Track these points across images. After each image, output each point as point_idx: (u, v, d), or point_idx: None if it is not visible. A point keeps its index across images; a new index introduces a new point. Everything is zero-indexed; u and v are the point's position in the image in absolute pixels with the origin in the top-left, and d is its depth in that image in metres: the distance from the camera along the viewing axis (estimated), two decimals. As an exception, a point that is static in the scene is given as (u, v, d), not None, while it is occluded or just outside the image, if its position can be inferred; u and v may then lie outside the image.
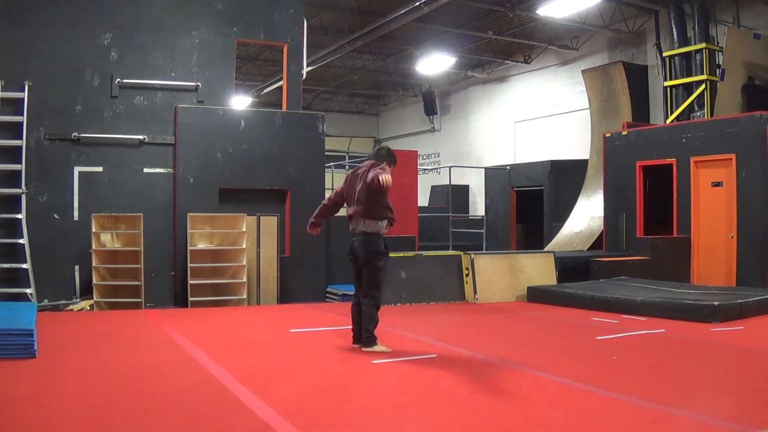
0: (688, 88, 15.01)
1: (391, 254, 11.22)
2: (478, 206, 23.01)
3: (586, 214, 16.25)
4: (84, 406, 4.77)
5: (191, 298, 10.60)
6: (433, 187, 23.56)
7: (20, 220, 10.31)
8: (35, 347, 6.43)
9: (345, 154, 19.60)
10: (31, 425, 4.33)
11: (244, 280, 10.87)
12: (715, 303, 8.93)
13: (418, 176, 14.63)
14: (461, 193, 23.08)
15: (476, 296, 11.15)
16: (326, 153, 12.45)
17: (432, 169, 24.68)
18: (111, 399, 4.96)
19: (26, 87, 10.48)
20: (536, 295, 11.16)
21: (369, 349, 6.69)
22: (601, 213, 15.16)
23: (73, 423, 4.38)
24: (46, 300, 10.30)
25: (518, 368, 6.13)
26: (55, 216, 10.71)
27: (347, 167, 19.46)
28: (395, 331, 8.10)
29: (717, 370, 6.29)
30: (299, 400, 4.93)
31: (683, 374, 6.07)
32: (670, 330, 8.31)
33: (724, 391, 5.44)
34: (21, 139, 10.38)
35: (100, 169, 10.97)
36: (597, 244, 15.25)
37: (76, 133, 10.80)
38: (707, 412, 4.82)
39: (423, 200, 19.04)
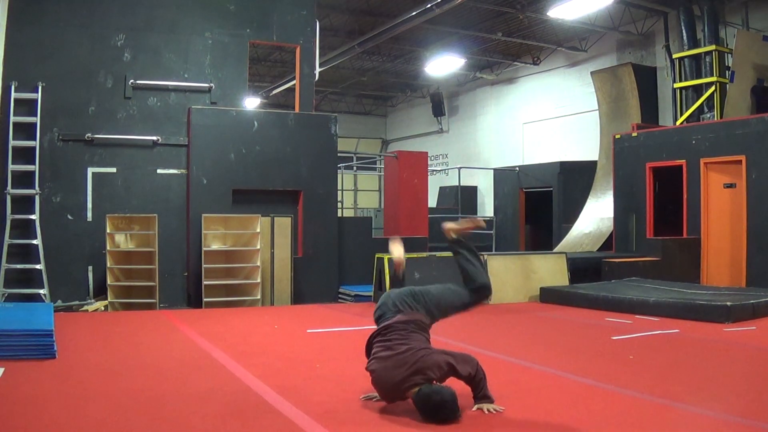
0: (698, 90, 15.03)
1: (405, 255, 11.30)
2: (486, 207, 23.03)
3: (596, 215, 16.27)
4: (110, 406, 4.79)
5: (205, 299, 10.64)
6: (441, 188, 23.58)
7: (34, 220, 10.36)
8: (55, 347, 6.46)
9: (353, 155, 19.58)
10: (58, 426, 4.35)
11: (258, 280, 10.91)
12: (728, 303, 8.96)
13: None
14: (470, 194, 23.08)
15: (489, 297, 11.15)
16: (335, 154, 12.52)
17: (440, 171, 24.70)
18: (136, 399, 4.98)
19: (39, 88, 10.54)
20: (549, 295, 11.20)
21: None
22: (611, 214, 15.18)
23: (101, 423, 4.40)
24: (59, 301, 10.34)
25: (537, 368, 6.16)
26: (69, 217, 10.76)
27: (355, 168, 19.48)
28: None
29: (732, 369, 6.34)
30: (325, 400, 4.96)
31: (700, 373, 6.11)
32: (684, 330, 8.34)
33: (740, 389, 5.49)
34: (35, 139, 10.43)
35: (114, 170, 11.02)
36: (606, 245, 15.26)
37: (89, 134, 10.85)
38: (726, 409, 4.86)
39: (431, 201, 19.05)
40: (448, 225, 5.18)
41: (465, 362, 4.64)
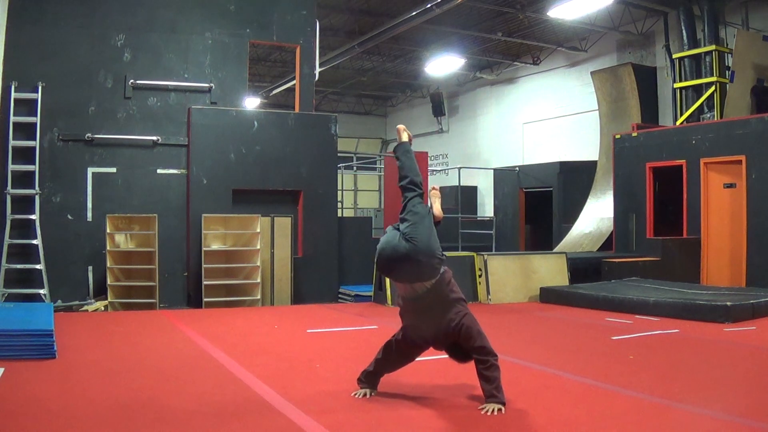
0: (698, 90, 15.03)
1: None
2: (486, 207, 23.02)
3: (596, 215, 16.27)
4: (109, 406, 4.79)
5: (205, 299, 10.64)
6: (441, 188, 23.47)
7: (34, 220, 10.36)
8: (55, 347, 6.46)
9: (353, 155, 19.58)
10: (57, 426, 4.35)
11: (258, 280, 10.91)
12: (728, 303, 8.96)
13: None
14: (470, 194, 23.07)
15: (489, 297, 11.18)
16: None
17: (440, 171, 24.69)
18: (135, 399, 4.98)
19: (40, 88, 10.54)
20: (549, 295, 11.20)
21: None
22: (611, 214, 15.19)
23: (100, 423, 4.40)
24: (59, 301, 10.34)
25: (538, 368, 6.17)
26: (69, 217, 10.76)
27: (355, 168, 19.48)
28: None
29: (733, 369, 6.33)
30: (324, 400, 4.96)
31: (700, 373, 6.11)
32: (684, 330, 8.34)
33: (741, 390, 5.49)
34: (35, 139, 10.43)
35: (114, 170, 11.02)
36: (606, 245, 15.26)
37: (89, 134, 10.85)
38: (726, 409, 4.85)
39: (431, 201, 19.00)
40: (404, 127, 5.53)
41: (492, 351, 4.77)
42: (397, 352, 5.07)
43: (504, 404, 4.65)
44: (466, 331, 4.75)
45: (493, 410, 4.60)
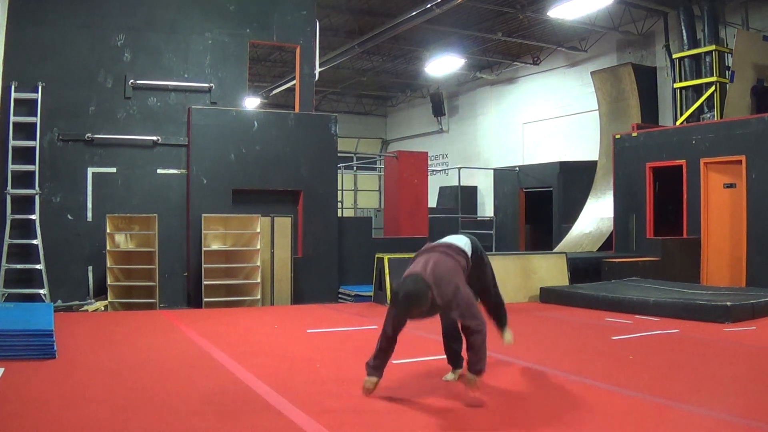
0: (698, 90, 15.05)
1: (405, 255, 11.29)
2: (486, 207, 23.04)
3: (596, 215, 16.27)
4: (109, 407, 4.79)
5: (205, 299, 10.63)
6: (441, 188, 23.57)
7: (34, 220, 10.34)
8: (55, 348, 6.46)
9: (353, 155, 19.58)
10: (57, 426, 4.35)
11: (258, 280, 10.90)
12: (728, 303, 8.95)
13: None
14: (469, 194, 23.10)
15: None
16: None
17: (440, 171, 24.69)
18: (136, 400, 4.98)
19: (40, 88, 10.51)
20: (549, 295, 11.20)
21: None
22: (611, 214, 15.19)
23: (100, 424, 4.40)
24: (59, 301, 10.33)
25: (537, 368, 6.17)
26: (69, 217, 10.74)
27: (355, 168, 19.49)
28: (412, 332, 8.11)
29: (733, 369, 6.33)
30: (324, 400, 4.97)
31: (700, 373, 6.11)
32: (683, 330, 8.34)
33: (741, 390, 5.49)
34: (35, 140, 10.41)
35: (114, 170, 11.00)
36: (606, 245, 15.27)
37: (89, 134, 10.83)
38: (726, 409, 4.86)
39: (431, 201, 19.07)
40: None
41: (474, 317, 4.92)
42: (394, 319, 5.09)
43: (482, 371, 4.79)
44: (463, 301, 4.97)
45: (471, 384, 4.76)
